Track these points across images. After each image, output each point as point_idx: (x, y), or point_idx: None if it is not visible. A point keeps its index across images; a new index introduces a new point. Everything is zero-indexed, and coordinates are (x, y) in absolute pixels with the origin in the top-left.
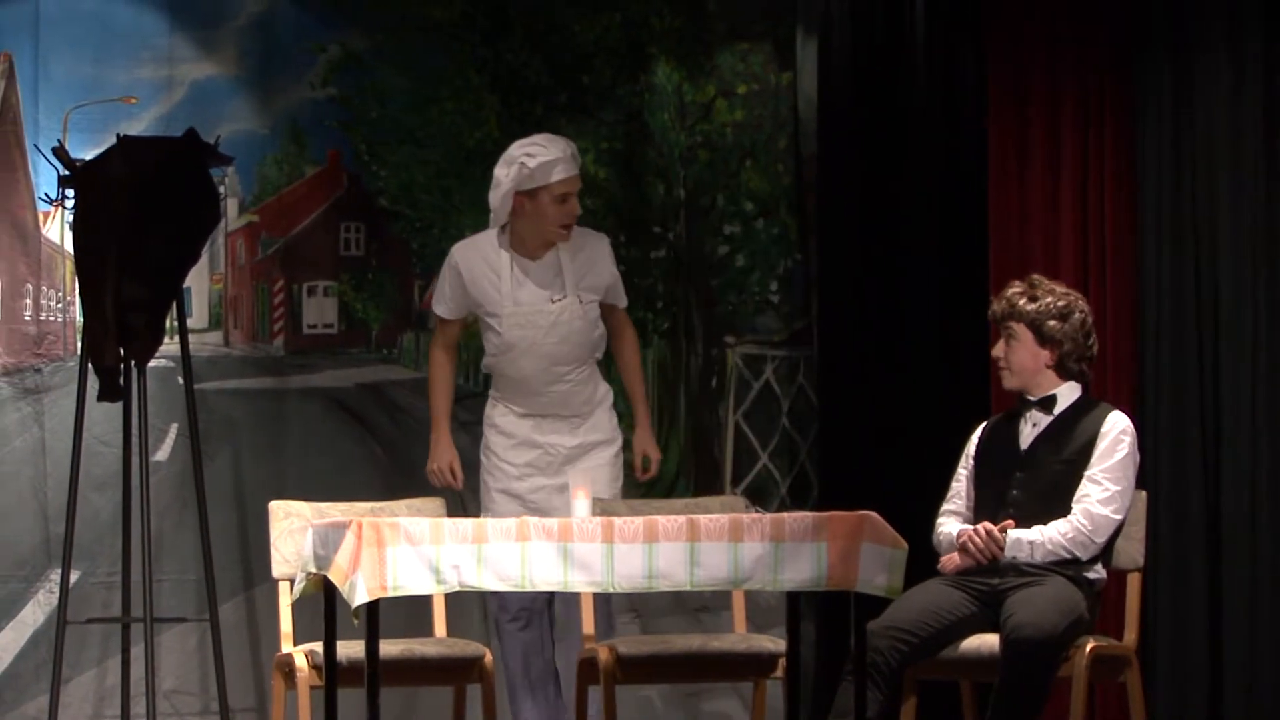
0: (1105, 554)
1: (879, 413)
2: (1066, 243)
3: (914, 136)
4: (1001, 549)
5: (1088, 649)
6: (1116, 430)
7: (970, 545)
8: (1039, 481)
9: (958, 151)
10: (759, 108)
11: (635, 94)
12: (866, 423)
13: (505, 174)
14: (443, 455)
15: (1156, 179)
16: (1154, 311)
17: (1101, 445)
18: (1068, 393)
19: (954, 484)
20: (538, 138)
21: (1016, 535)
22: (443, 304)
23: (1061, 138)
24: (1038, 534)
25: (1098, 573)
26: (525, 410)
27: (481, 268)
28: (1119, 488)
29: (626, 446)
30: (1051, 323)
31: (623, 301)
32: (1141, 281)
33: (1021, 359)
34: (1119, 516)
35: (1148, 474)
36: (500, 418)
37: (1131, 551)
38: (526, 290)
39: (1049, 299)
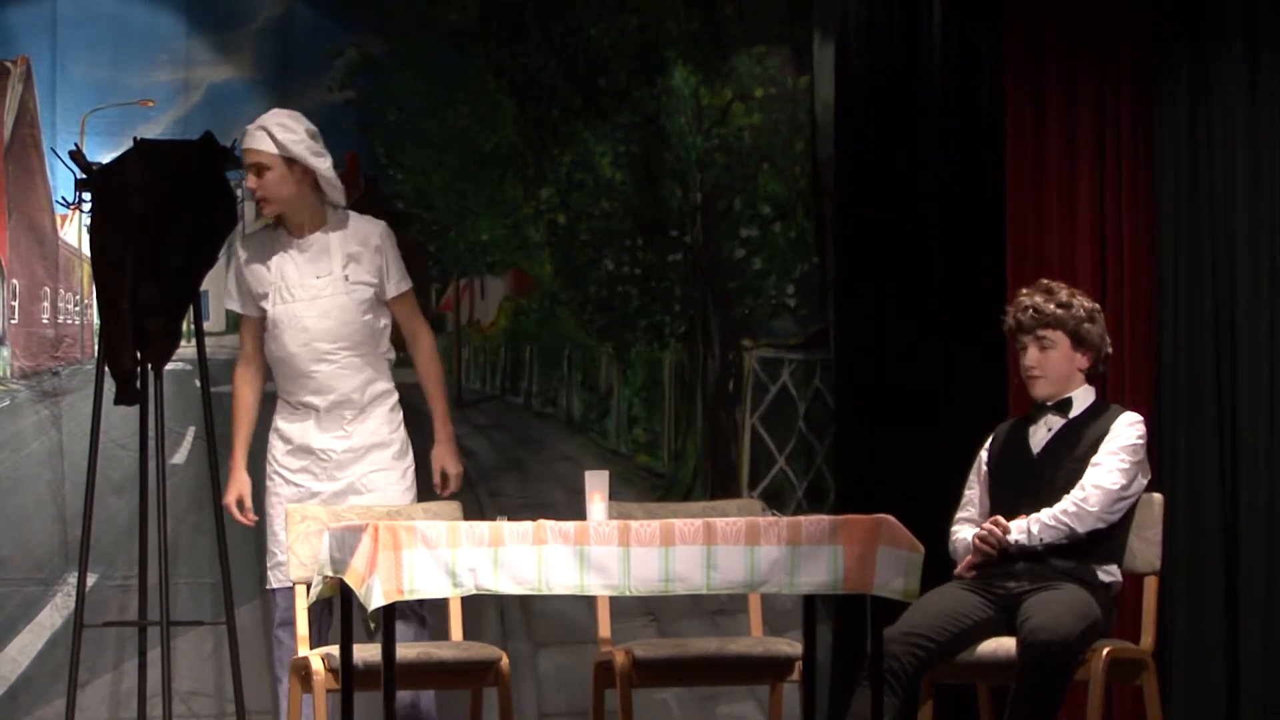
0: (1118, 553)
1: (896, 416)
2: (1083, 246)
3: (931, 140)
4: (1007, 534)
5: (1104, 652)
6: (1125, 424)
7: (980, 544)
8: (1054, 483)
9: (975, 155)
10: (776, 111)
11: (652, 97)
12: (883, 426)
13: None
14: (232, 488)
15: (1174, 183)
16: (1171, 316)
17: (1109, 436)
18: (1083, 396)
19: (967, 492)
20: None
21: (1017, 522)
22: (230, 297)
23: (1079, 141)
24: (1035, 516)
25: (1113, 576)
26: (297, 399)
27: (257, 252)
28: (1121, 466)
29: (422, 457)
30: (1086, 326)
31: (397, 290)
32: (1159, 286)
33: (1059, 365)
34: (1115, 488)
35: (1164, 478)
36: (282, 421)
37: (1148, 555)
38: (292, 267)
39: (1075, 302)
